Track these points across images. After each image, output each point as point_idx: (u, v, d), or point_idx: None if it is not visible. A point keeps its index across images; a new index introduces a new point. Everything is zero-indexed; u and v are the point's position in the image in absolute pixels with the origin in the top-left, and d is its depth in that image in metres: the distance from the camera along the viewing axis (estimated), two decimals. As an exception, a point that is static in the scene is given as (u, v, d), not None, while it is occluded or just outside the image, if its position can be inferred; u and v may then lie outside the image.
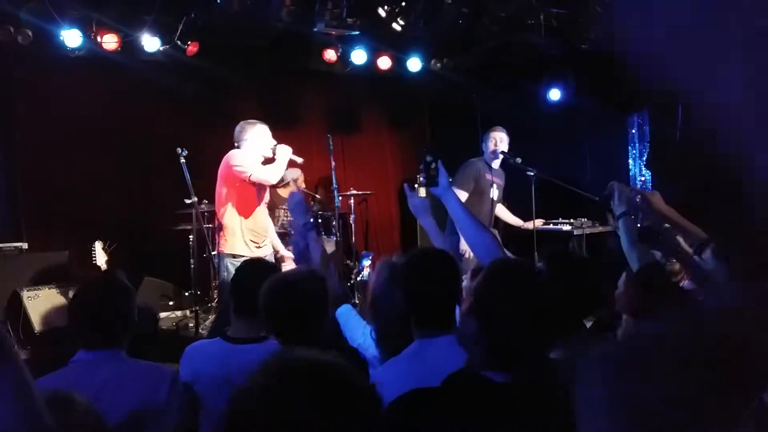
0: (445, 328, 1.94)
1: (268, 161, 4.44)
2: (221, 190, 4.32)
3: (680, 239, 3.02)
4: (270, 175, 4.27)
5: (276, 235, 4.75)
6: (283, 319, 2.13)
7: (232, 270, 4.14)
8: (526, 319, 1.51)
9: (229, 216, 4.29)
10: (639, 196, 2.53)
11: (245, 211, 4.27)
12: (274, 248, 4.59)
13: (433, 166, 2.23)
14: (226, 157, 4.33)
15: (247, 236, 4.27)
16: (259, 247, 4.34)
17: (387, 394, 1.44)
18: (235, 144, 4.37)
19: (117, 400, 1.91)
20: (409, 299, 1.97)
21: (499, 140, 5.27)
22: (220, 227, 4.39)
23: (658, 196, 2.68)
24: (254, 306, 2.38)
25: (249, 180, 4.20)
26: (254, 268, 2.59)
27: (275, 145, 4.37)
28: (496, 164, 5.36)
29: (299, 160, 4.51)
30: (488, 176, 5.34)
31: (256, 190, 4.33)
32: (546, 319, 1.54)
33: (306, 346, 2.05)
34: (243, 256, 4.12)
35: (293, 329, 2.12)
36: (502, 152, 5.19)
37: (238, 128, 4.38)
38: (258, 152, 4.33)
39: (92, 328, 2.05)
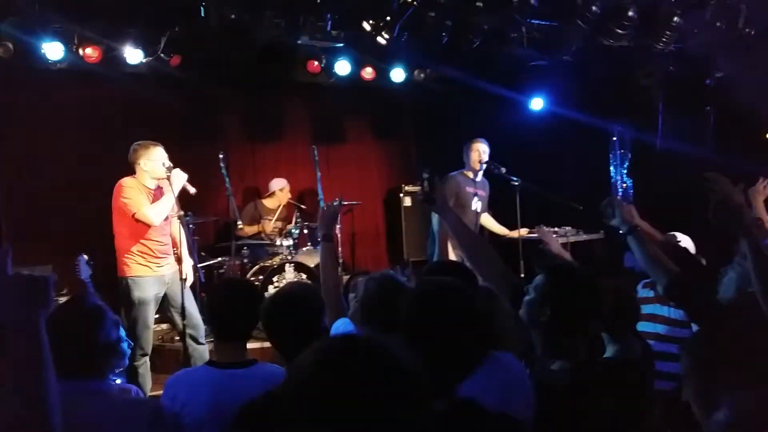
0: None
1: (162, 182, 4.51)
2: (115, 216, 4.44)
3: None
4: (154, 217, 4.34)
5: (186, 251, 4.71)
6: (284, 333, 2.14)
7: (136, 293, 4.33)
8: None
9: (125, 241, 4.42)
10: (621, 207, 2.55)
11: (139, 236, 4.40)
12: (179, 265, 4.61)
13: (426, 184, 2.21)
14: (117, 185, 4.41)
15: (146, 259, 4.41)
16: (160, 266, 4.48)
17: None
18: (131, 165, 4.46)
19: None
20: None
21: (483, 152, 5.32)
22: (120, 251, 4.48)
23: (634, 210, 2.72)
24: (235, 329, 2.37)
25: (133, 216, 4.32)
26: (229, 289, 2.56)
27: (170, 167, 4.40)
28: (479, 176, 5.40)
29: (192, 190, 4.52)
30: (469, 189, 5.38)
31: None
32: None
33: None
34: (144, 277, 4.34)
35: (294, 342, 2.12)
36: (486, 162, 5.25)
37: (131, 150, 4.46)
38: (150, 176, 4.43)
39: (64, 358, 1.92)
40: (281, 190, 6.71)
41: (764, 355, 1.52)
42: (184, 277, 4.52)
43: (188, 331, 4.53)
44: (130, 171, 4.53)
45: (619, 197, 7.23)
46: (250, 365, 2.33)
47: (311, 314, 2.21)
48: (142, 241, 4.42)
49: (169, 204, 4.38)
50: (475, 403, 1.46)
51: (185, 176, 4.39)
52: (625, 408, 1.77)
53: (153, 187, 4.51)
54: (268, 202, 6.76)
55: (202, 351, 4.55)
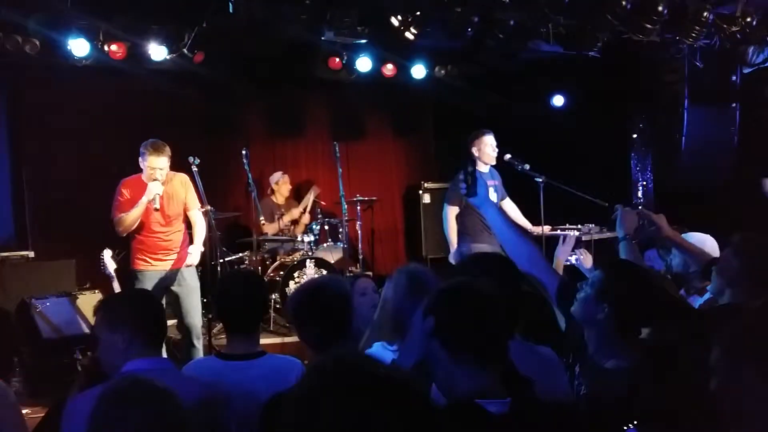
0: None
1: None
2: None
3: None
4: (118, 227, 4.47)
5: (199, 240, 4.74)
6: (309, 323, 2.14)
7: (137, 286, 4.40)
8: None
9: (130, 235, 4.54)
10: (646, 219, 2.61)
11: (137, 231, 4.50)
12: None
13: (469, 177, 2.17)
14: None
15: (143, 253, 4.52)
16: (159, 261, 4.54)
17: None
18: None
19: None
20: None
21: (494, 145, 5.25)
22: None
23: (664, 219, 2.73)
24: (243, 320, 2.39)
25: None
26: (235, 280, 2.57)
27: (152, 180, 4.41)
28: (485, 168, 5.33)
29: (156, 206, 4.46)
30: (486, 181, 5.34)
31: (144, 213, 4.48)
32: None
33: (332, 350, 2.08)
34: (143, 271, 4.50)
35: (319, 333, 2.12)
36: (511, 158, 5.21)
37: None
38: (144, 177, 4.47)
39: (150, 337, 2.06)
40: (276, 183, 6.73)
41: None
42: (188, 263, 4.63)
43: (183, 331, 4.64)
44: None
45: (639, 201, 7.19)
46: (257, 357, 2.35)
47: (339, 305, 2.20)
48: (138, 236, 4.52)
49: (134, 215, 4.41)
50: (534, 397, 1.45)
51: (156, 192, 4.40)
52: (689, 401, 1.73)
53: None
54: (275, 199, 6.79)
55: (194, 353, 4.58)
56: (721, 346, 1.47)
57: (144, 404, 1.46)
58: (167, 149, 4.44)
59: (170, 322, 5.86)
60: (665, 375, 1.82)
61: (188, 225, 4.71)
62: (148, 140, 4.48)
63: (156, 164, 4.39)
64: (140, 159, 4.44)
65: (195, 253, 4.67)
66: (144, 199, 4.37)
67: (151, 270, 4.53)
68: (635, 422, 1.61)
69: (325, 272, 5.96)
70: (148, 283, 4.49)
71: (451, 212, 5.27)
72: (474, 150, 5.27)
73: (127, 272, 4.57)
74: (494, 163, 5.32)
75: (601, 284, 1.92)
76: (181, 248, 4.64)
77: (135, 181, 4.51)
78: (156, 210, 4.43)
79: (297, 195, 7.03)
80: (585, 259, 3.63)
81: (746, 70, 5.24)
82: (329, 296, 2.14)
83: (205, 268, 5.48)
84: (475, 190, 2.15)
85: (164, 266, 4.56)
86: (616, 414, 1.70)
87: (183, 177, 4.67)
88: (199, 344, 4.58)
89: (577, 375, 1.99)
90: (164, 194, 4.48)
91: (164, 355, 4.33)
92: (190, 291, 4.62)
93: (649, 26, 4.33)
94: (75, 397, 1.97)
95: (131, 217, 4.41)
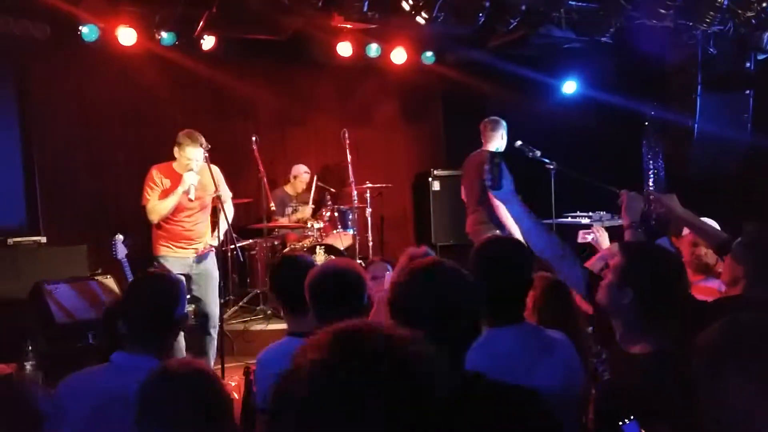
0: (515, 318, 1.93)
1: None
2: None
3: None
4: (152, 215, 4.48)
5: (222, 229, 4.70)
6: (325, 303, 2.16)
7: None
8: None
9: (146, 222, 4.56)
10: (656, 202, 2.54)
11: (162, 218, 4.50)
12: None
13: (496, 168, 2.04)
14: (149, 169, 4.55)
15: (168, 240, 4.54)
16: (183, 248, 4.57)
17: None
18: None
19: None
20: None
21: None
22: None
23: (675, 199, 2.66)
24: (304, 301, 2.40)
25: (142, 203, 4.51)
26: (295, 266, 2.57)
27: (187, 170, 4.42)
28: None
29: (191, 196, 4.46)
30: None
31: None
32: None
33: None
34: (166, 257, 4.53)
35: (334, 314, 2.14)
36: (522, 145, 5.17)
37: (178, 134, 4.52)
38: (179, 167, 4.48)
39: (142, 330, 2.02)
40: (295, 177, 6.71)
41: None
42: (210, 243, 4.65)
43: (199, 319, 4.62)
44: (169, 152, 4.58)
45: (650, 188, 7.13)
46: None
47: (359, 288, 2.22)
48: (163, 223, 4.52)
49: (170, 204, 4.42)
50: (483, 377, 1.44)
51: (191, 182, 4.41)
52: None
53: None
54: (288, 188, 6.77)
55: (208, 341, 4.60)
56: (702, 351, 1.45)
57: (187, 382, 1.56)
58: (203, 140, 4.44)
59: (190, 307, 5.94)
60: (685, 361, 1.80)
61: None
62: (184, 130, 4.49)
63: (192, 155, 4.41)
64: (176, 148, 4.45)
65: (217, 236, 4.67)
66: (179, 190, 4.39)
67: (174, 256, 4.55)
68: (632, 417, 1.59)
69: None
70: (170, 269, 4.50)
71: None
72: (503, 135, 5.14)
73: (150, 258, 4.59)
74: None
75: (624, 269, 1.88)
76: (204, 238, 4.66)
77: (168, 169, 4.51)
78: (191, 200, 4.45)
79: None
80: (601, 237, 3.51)
81: (760, 57, 5.16)
82: (352, 278, 2.15)
83: (216, 254, 5.50)
84: (501, 182, 2.04)
85: (186, 254, 4.58)
86: (634, 398, 1.68)
87: (215, 169, 4.61)
88: (214, 333, 4.59)
89: (603, 361, 1.98)
90: (197, 184, 4.50)
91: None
92: (209, 280, 4.63)
93: (662, 11, 4.28)
94: (67, 378, 2.01)
95: (167, 206, 4.44)
